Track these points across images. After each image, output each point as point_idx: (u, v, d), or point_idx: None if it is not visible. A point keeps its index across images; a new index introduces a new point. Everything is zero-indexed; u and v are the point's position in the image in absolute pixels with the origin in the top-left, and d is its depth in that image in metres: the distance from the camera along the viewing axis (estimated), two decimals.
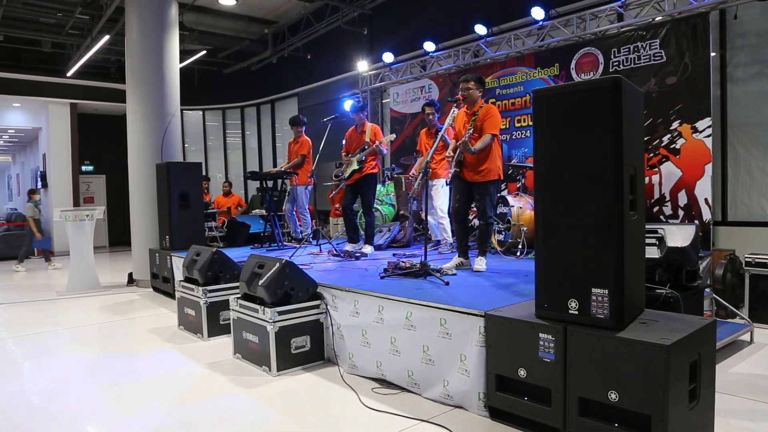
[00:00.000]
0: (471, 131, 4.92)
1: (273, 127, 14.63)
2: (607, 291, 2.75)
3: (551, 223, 2.97)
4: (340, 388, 3.97)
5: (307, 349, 4.40)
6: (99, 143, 15.11)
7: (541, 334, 2.96)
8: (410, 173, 7.43)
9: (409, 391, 3.80)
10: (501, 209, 6.41)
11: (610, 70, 6.93)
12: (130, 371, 4.66)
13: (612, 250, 2.74)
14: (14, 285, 9.36)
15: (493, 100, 8.30)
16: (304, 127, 7.70)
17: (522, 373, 3.06)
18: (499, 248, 6.40)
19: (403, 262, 4.95)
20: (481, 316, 3.31)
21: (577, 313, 2.86)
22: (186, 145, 15.29)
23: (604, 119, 2.75)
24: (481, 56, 8.71)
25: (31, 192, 11.29)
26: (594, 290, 2.79)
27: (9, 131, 15.88)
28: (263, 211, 8.62)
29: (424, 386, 3.70)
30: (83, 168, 14.60)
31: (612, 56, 6.96)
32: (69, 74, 13.25)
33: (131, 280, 8.67)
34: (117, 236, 14.52)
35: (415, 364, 3.73)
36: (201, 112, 15.45)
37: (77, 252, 8.16)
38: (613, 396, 2.67)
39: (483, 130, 4.95)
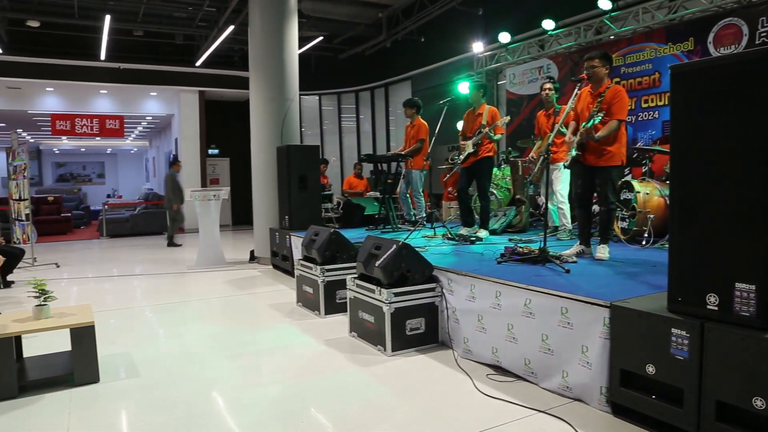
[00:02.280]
0: (600, 116, 4.65)
1: (386, 110, 14.77)
2: (754, 287, 2.51)
3: (689, 211, 2.75)
4: (455, 372, 3.96)
5: (421, 331, 4.42)
6: (224, 128, 16.05)
7: (673, 330, 2.77)
8: (528, 156, 7.20)
9: (525, 379, 3.72)
10: (625, 195, 6.06)
11: (757, 42, 6.28)
12: (252, 343, 4.94)
13: (761, 242, 2.48)
14: (152, 258, 10.23)
15: (618, 79, 7.83)
16: (419, 110, 7.68)
17: (650, 369, 2.88)
18: (622, 236, 6.06)
19: (520, 247, 4.83)
20: (606, 306, 3.15)
21: (716, 309, 2.64)
22: (302, 129, 15.85)
23: (757, 96, 2.48)
24: (605, 33, 8.23)
25: (173, 162, 12.02)
26: (738, 285, 2.56)
27: (147, 118, 17.30)
28: (377, 194, 8.76)
29: (541, 376, 3.60)
30: (210, 151, 15.58)
31: (759, 26, 6.29)
32: (198, 64, 14.15)
33: (253, 258, 9.17)
34: (239, 216, 15.42)
35: (533, 353, 3.63)
36: (317, 97, 15.91)
37: (205, 230, 8.75)
38: (758, 403, 2.44)
39: (611, 114, 4.66)
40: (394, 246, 4.37)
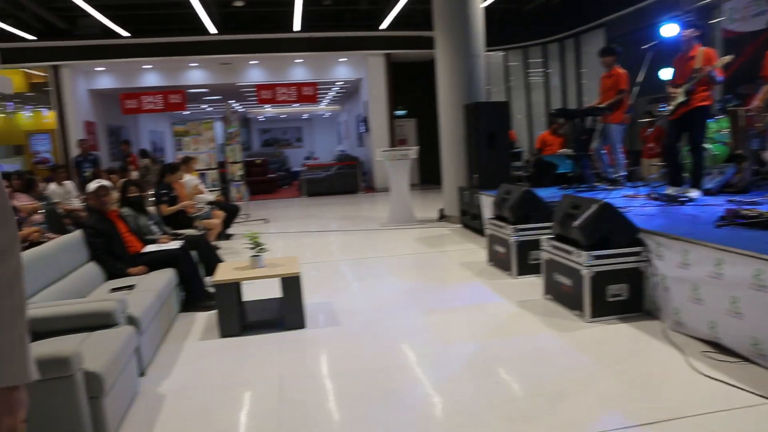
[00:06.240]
0: None
1: (577, 63, 13.81)
2: None
3: None
4: (662, 344, 3.61)
5: (623, 298, 4.10)
6: (410, 89, 16.29)
7: None
8: (751, 104, 6.22)
9: (752, 361, 3.24)
10: None
11: None
12: (444, 300, 5.00)
13: None
14: (346, 216, 10.86)
15: None
16: (618, 58, 6.99)
17: None
18: None
19: (745, 210, 4.21)
20: None
21: None
22: (488, 87, 15.49)
23: None
24: None
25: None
26: None
27: (338, 83, 18.19)
28: (570, 151, 8.26)
29: None
30: (396, 113, 15.96)
31: None
32: (382, 27, 14.43)
33: (442, 216, 9.27)
34: (426, 175, 15.68)
35: (765, 333, 3.15)
36: (502, 53, 15.39)
37: (396, 188, 9.02)
38: None
39: None
40: (595, 205, 4.07)
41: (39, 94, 14.67)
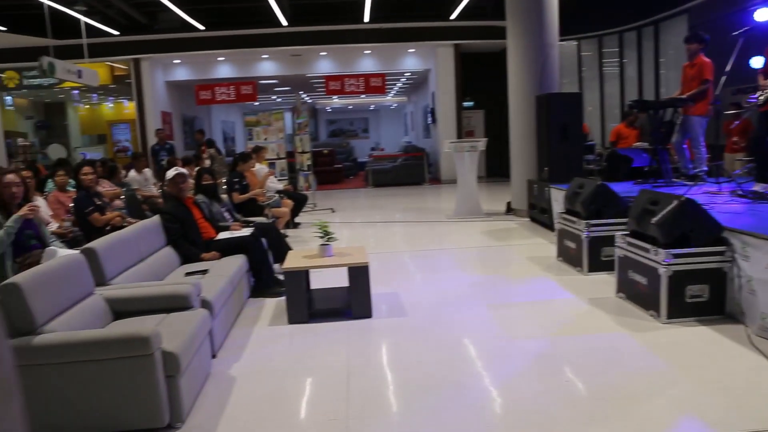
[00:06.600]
0: None
1: (656, 52, 13.17)
2: None
3: None
4: (747, 351, 3.41)
5: (704, 299, 3.89)
6: (478, 80, 16.06)
7: None
8: None
9: None
10: None
11: None
12: (510, 294, 4.91)
13: None
14: (412, 207, 10.85)
15: None
16: (705, 46, 6.60)
17: None
18: None
19: None
20: None
21: None
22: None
23: None
24: None
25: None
26: None
27: (406, 74, 18.16)
28: (646, 144, 7.91)
29: None
30: (464, 104, 15.77)
31: None
32: (452, 17, 14.26)
33: (509, 209, 9.11)
34: (493, 168, 15.45)
35: None
36: (575, 42, 14.91)
37: (463, 180, 8.92)
38: None
39: None
40: (676, 201, 3.87)
41: (120, 86, 15.42)
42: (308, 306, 4.38)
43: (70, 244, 4.92)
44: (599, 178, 7.56)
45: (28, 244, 3.93)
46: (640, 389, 2.98)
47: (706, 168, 6.67)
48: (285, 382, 3.31)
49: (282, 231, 6.86)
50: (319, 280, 4.99)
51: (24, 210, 3.84)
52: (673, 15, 12.30)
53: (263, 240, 5.32)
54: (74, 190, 5.93)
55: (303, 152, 11.23)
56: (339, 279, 4.81)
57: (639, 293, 4.19)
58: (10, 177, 3.91)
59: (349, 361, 3.54)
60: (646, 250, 4.02)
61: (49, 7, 10.31)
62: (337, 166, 17.73)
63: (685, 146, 6.89)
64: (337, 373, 3.38)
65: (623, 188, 6.00)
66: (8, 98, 15.32)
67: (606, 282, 4.89)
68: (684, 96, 6.52)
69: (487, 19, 14.53)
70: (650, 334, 3.75)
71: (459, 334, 3.96)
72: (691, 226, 3.87)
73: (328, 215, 9.95)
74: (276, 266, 5.38)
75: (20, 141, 14.20)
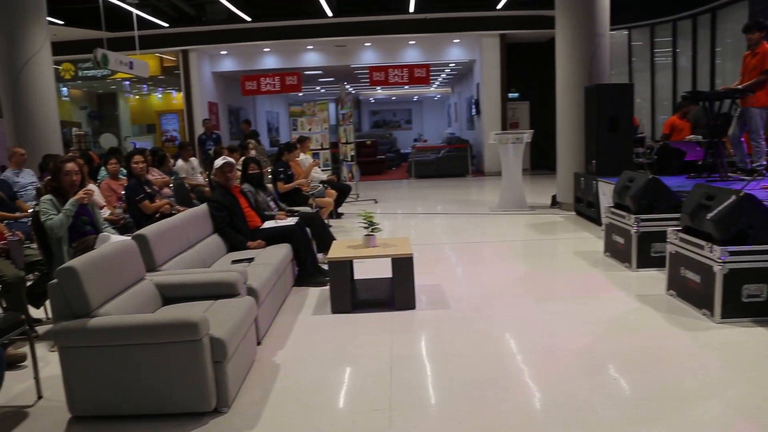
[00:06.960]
0: None
1: (712, 41, 12.66)
2: None
3: None
4: None
5: (762, 299, 3.74)
6: (524, 71, 15.78)
7: None
8: None
9: None
10: None
11: None
12: (555, 289, 4.83)
13: None
14: (455, 199, 10.77)
15: None
16: (765, 33, 6.29)
17: None
18: None
19: None
20: None
21: None
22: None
23: None
24: None
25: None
26: None
27: (450, 65, 17.98)
28: (699, 137, 7.63)
29: None
30: (509, 95, 15.53)
31: None
32: (498, 7, 14.02)
33: (555, 202, 8.94)
34: (538, 160, 15.20)
35: None
36: (626, 32, 14.47)
37: (507, 172, 8.79)
38: None
39: None
40: (734, 196, 3.72)
41: (169, 77, 15.78)
42: (352, 296, 4.41)
43: (121, 230, 5.08)
44: (649, 172, 7.34)
45: (83, 230, 4.07)
46: (692, 391, 2.89)
47: (765, 162, 6.39)
48: (329, 371, 3.34)
49: (325, 221, 6.92)
50: (362, 271, 5.01)
51: (80, 194, 3.97)
52: (733, 1, 11.80)
53: (308, 229, 5.37)
54: (125, 178, 6.11)
55: (347, 143, 11.27)
56: (382, 270, 4.82)
57: (691, 291, 4.06)
58: (70, 165, 4.05)
59: (392, 352, 3.55)
60: (701, 247, 3.88)
61: (104, 0, 10.60)
62: (380, 156, 17.76)
63: (742, 139, 6.62)
64: (380, 363, 3.39)
65: (675, 182, 5.82)
66: (64, 89, 15.89)
67: (655, 279, 4.75)
68: (742, 86, 6.25)
69: (534, 9, 14.24)
70: (702, 333, 3.63)
71: (502, 328, 3.91)
72: (749, 223, 3.71)
73: (371, 206, 9.97)
74: (320, 256, 5.42)
75: (75, 130, 14.69)
